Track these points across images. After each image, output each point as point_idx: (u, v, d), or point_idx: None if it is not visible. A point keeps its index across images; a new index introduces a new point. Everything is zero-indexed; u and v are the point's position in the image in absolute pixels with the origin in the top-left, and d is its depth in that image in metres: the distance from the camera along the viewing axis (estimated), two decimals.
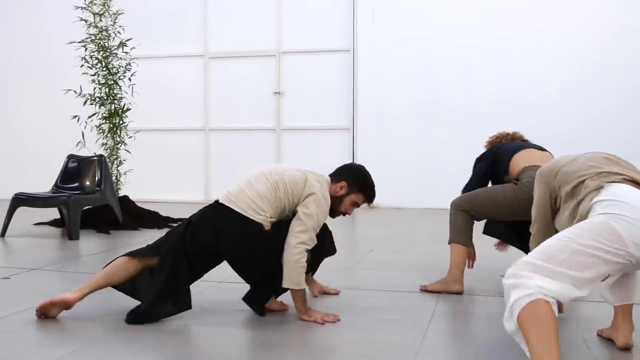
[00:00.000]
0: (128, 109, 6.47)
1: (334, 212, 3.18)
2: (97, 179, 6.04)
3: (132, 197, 9.29)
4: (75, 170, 6.20)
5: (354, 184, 3.17)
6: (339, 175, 3.19)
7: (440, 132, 8.31)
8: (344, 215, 3.24)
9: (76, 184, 6.12)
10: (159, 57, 9.25)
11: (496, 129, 8.35)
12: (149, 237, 5.80)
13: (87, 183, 6.09)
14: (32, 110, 9.71)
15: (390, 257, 4.83)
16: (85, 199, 5.88)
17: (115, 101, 6.53)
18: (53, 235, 5.87)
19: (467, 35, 8.19)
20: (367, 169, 3.29)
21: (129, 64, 6.60)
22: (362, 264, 4.51)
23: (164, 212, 7.38)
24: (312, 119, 8.79)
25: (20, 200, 5.73)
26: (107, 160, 6.52)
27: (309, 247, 2.96)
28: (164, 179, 9.32)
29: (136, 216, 6.47)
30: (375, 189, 3.22)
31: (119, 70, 6.47)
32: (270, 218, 2.98)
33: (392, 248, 5.30)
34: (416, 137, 8.37)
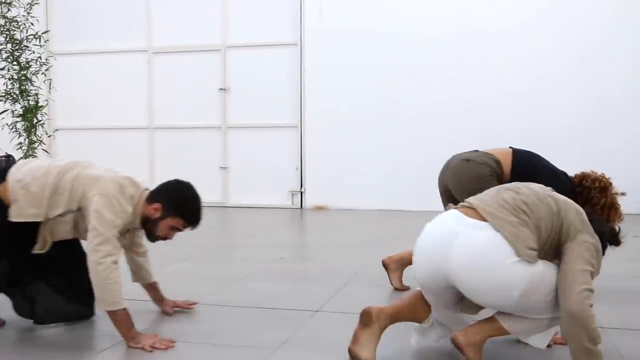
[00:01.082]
0: (41, 107, 6.06)
1: (150, 235, 2.80)
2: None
3: None
4: None
5: (170, 206, 2.76)
6: (155, 195, 2.80)
7: (394, 130, 7.89)
8: (164, 239, 2.82)
9: None
10: (101, 52, 8.86)
11: (454, 127, 8.08)
12: None
13: None
14: None
15: (296, 266, 4.45)
16: None
17: (30, 97, 6.12)
18: None
19: (423, 27, 7.77)
20: (193, 187, 2.88)
21: (46, 59, 6.21)
22: (258, 275, 4.11)
23: None
24: (260, 117, 8.39)
25: None
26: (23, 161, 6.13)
27: (116, 257, 2.57)
28: None
29: None
30: (201, 212, 2.83)
31: (31, 64, 6.07)
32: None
33: (306, 255, 4.92)
34: (369, 135, 7.96)
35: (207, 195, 8.68)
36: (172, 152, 8.72)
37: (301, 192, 8.21)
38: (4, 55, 6.03)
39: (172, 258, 4.64)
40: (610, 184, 3.40)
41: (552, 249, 2.24)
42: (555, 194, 2.33)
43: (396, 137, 7.88)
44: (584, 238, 2.21)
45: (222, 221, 7.09)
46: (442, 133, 7.63)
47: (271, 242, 5.41)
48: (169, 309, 3.10)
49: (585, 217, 2.28)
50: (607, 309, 3.01)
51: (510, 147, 3.59)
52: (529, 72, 7.52)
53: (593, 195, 3.34)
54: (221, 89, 8.48)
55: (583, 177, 3.44)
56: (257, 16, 8.35)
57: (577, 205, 2.32)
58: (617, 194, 3.40)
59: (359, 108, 7.99)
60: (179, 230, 2.82)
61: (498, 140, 7.61)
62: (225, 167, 8.50)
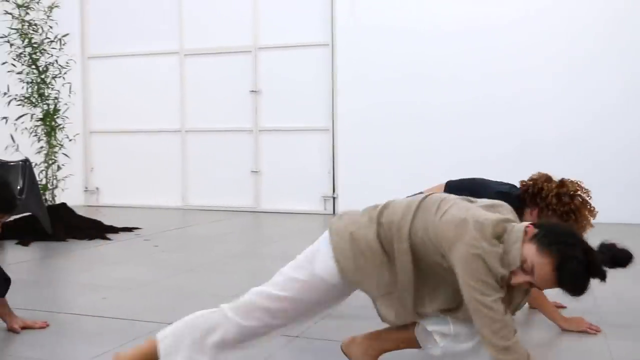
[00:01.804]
0: (58, 110, 5.97)
1: None
2: (19, 186, 5.56)
3: (107, 203, 8.94)
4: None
5: None
6: None
7: (427, 131, 7.55)
8: None
9: None
10: (134, 54, 8.81)
11: (489, 127, 7.66)
12: (74, 248, 5.32)
13: None
14: None
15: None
16: None
17: (50, 101, 6.05)
18: None
19: (457, 23, 7.40)
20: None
21: (66, 62, 6.12)
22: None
23: (139, 219, 6.93)
24: (291, 119, 8.16)
25: None
26: (46, 165, 6.07)
27: None
28: (139, 184, 8.86)
29: (72, 226, 5.99)
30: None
31: (48, 68, 5.98)
32: None
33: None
34: (403, 137, 7.64)
35: (238, 199, 8.64)
36: (203, 155, 8.58)
37: (333, 198, 7.94)
38: (23, 60, 5.94)
39: (178, 268, 4.45)
40: (573, 185, 2.84)
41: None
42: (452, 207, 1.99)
43: (429, 139, 7.53)
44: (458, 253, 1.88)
45: (250, 227, 6.89)
46: (482, 134, 7.28)
47: (292, 252, 5.15)
48: (16, 326, 2.91)
49: (469, 227, 1.88)
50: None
51: (446, 181, 3.23)
52: (570, 67, 7.06)
53: (549, 202, 2.81)
54: (252, 91, 8.29)
55: (528, 184, 2.91)
56: (288, 16, 8.13)
57: (469, 215, 1.92)
58: (583, 196, 2.84)
59: (393, 109, 7.67)
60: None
61: (537, 142, 7.30)
62: (256, 171, 8.30)
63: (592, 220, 2.81)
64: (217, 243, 5.62)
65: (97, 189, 9.12)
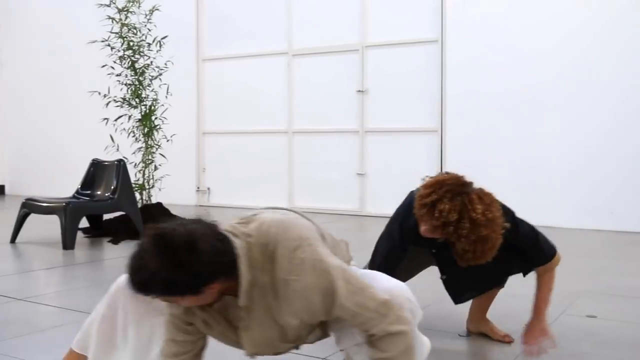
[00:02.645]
0: (154, 110, 6.03)
1: None
2: (112, 186, 5.66)
3: (218, 203, 9.03)
4: (95, 175, 5.89)
5: None
6: None
7: (546, 135, 6.91)
8: None
9: (91, 191, 5.80)
10: (244, 56, 8.83)
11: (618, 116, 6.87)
12: None
13: (101, 190, 5.74)
14: (67, 113, 9.77)
15: None
16: (89, 206, 5.52)
17: (147, 102, 6.12)
18: (54, 244, 5.55)
19: (578, 10, 6.72)
20: None
21: (165, 63, 6.17)
22: None
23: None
24: (398, 120, 7.80)
25: (26, 205, 5.51)
26: (144, 165, 6.16)
27: None
28: (247, 185, 8.88)
29: None
30: None
31: (144, 70, 6.05)
32: None
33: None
34: (517, 140, 7.05)
35: (343, 202, 8.42)
36: (310, 157, 8.43)
37: None
38: (123, 63, 6.06)
39: None
40: (478, 208, 2.23)
41: None
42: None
43: (549, 143, 6.89)
44: None
45: (353, 231, 6.60)
46: (603, 139, 6.56)
47: None
48: None
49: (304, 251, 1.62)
50: None
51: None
52: None
53: (452, 232, 2.25)
54: (359, 91, 8.03)
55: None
56: (396, 13, 7.78)
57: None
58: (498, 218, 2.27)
59: (507, 111, 7.10)
60: None
61: None
62: (362, 174, 8.03)
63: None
64: None
65: (208, 189, 9.24)
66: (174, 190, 9.12)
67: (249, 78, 8.82)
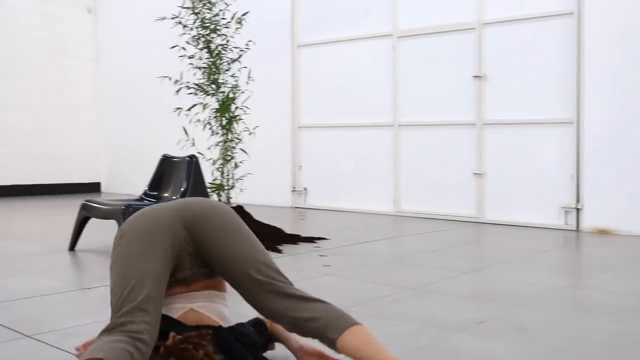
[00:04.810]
0: (233, 99, 5.15)
1: None
2: (182, 186, 4.83)
3: (315, 205, 8.11)
4: (165, 173, 5.09)
5: None
6: None
7: None
8: None
9: (158, 192, 5.00)
10: (343, 40, 7.86)
11: None
12: None
13: (170, 190, 4.92)
14: (162, 107, 9.04)
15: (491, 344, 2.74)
16: None
17: (226, 89, 5.26)
18: None
19: None
20: None
21: (246, 44, 5.30)
22: None
23: (336, 227, 6.02)
24: (523, 110, 6.57)
25: (85, 208, 4.78)
26: (222, 162, 5.31)
27: None
28: (348, 185, 7.90)
29: None
30: None
31: (223, 50, 5.18)
32: None
33: (537, 320, 3.14)
34: None
35: (457, 207, 7.24)
36: (418, 154, 7.34)
37: (577, 209, 6.20)
38: (196, 43, 5.22)
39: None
40: None
41: None
42: None
43: None
44: None
45: (468, 242, 5.45)
46: None
47: (525, 280, 3.71)
48: None
49: None
50: None
51: None
52: None
53: None
54: (476, 76, 6.84)
55: None
56: None
57: None
58: None
59: None
60: None
61: None
62: (479, 174, 6.84)
63: None
64: (413, 267, 4.34)
65: (304, 189, 8.35)
66: (267, 190, 8.32)
67: (349, 65, 7.84)
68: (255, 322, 2.27)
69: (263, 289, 1.96)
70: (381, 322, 2.94)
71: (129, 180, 10.28)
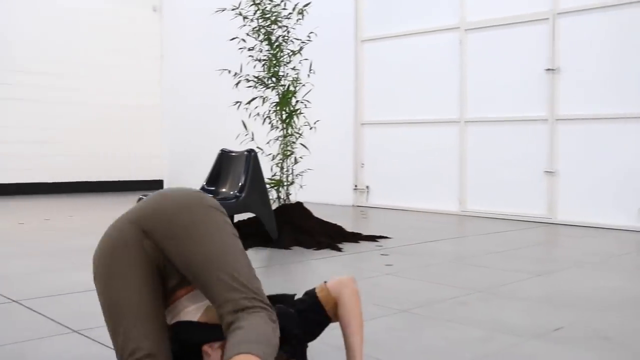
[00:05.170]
0: (293, 92, 4.99)
1: None
2: (240, 182, 4.70)
3: (377, 204, 7.89)
4: (223, 168, 4.98)
5: None
6: None
7: None
8: None
9: (216, 187, 4.89)
10: (408, 34, 7.61)
11: None
12: (292, 259, 4.28)
13: (228, 186, 4.80)
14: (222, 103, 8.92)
15: None
16: None
17: (286, 82, 5.12)
18: None
19: None
20: None
21: (308, 35, 5.14)
22: None
23: (399, 226, 5.82)
24: (599, 104, 6.19)
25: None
26: (282, 157, 5.17)
27: None
28: (411, 183, 7.65)
29: (302, 231, 4.98)
30: None
31: (284, 41, 5.04)
32: None
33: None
34: None
35: (527, 206, 6.90)
36: (486, 150, 7.03)
37: None
38: (256, 35, 5.09)
39: (396, 305, 3.06)
40: None
41: None
42: None
43: None
44: None
45: (537, 244, 5.13)
46: None
47: (576, 289, 3.42)
48: None
49: None
50: None
51: None
52: None
53: None
54: (548, 69, 6.49)
55: None
56: None
57: None
58: None
59: None
60: None
61: None
62: (551, 172, 6.49)
63: None
64: (480, 267, 4.09)
65: (367, 187, 8.14)
66: (328, 189, 8.16)
67: (414, 59, 7.59)
68: (310, 304, 1.90)
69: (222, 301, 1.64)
70: (446, 326, 2.71)
71: (191, 177, 10.28)
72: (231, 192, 4.69)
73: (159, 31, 11.01)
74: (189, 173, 10.50)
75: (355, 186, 8.22)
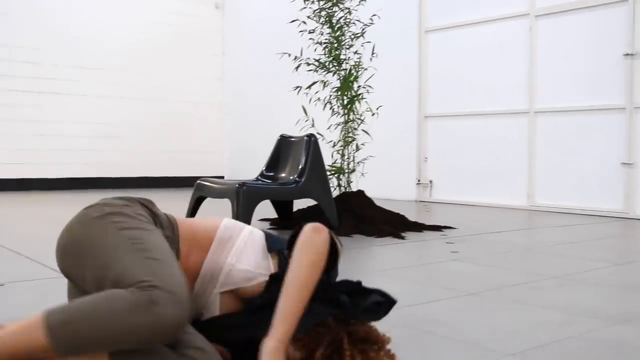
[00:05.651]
0: (355, 77, 4.82)
1: None
2: (299, 166, 4.56)
3: (441, 199, 7.65)
4: (282, 153, 4.85)
5: None
6: None
7: None
8: None
9: (274, 173, 4.76)
10: (474, 23, 7.34)
11: None
12: (353, 245, 4.12)
13: (287, 171, 4.67)
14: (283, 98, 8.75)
15: None
16: (268, 190, 4.45)
17: (348, 66, 4.96)
18: None
19: None
20: None
21: (371, 18, 4.97)
22: None
23: (465, 219, 5.58)
24: None
25: (200, 188, 4.63)
26: (343, 144, 5.02)
27: None
28: (477, 177, 7.37)
29: (364, 219, 4.80)
30: None
31: (345, 24, 4.88)
32: None
33: None
34: None
35: (601, 201, 6.52)
36: (557, 141, 6.70)
37: None
38: (318, 17, 4.94)
39: (461, 286, 2.85)
40: None
41: None
42: None
43: None
44: None
45: (611, 236, 4.80)
46: None
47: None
48: None
49: None
50: None
51: None
52: None
53: None
54: (627, 54, 6.12)
55: None
56: None
57: None
58: None
59: None
60: None
61: None
62: (629, 164, 6.12)
63: None
64: (552, 256, 3.82)
65: (430, 182, 7.90)
66: (390, 183, 7.95)
67: (480, 49, 7.31)
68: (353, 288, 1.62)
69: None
70: (521, 309, 2.49)
71: (252, 173, 10.23)
72: (290, 177, 4.55)
73: (221, 28, 11.04)
74: (249, 170, 10.46)
75: (418, 180, 7.98)
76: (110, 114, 9.93)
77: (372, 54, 5.01)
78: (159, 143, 10.38)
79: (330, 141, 5.23)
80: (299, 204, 5.78)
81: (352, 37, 4.95)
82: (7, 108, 9.05)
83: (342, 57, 4.90)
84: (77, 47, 9.58)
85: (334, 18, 4.89)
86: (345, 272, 3.15)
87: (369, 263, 3.55)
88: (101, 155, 9.85)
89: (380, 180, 7.70)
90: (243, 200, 4.16)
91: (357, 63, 4.97)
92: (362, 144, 5.16)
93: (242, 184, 4.23)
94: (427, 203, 7.68)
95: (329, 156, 4.98)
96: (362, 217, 4.80)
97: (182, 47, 10.57)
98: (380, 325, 1.89)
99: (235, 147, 10.92)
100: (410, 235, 4.60)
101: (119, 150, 10.02)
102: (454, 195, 7.60)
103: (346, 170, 5.03)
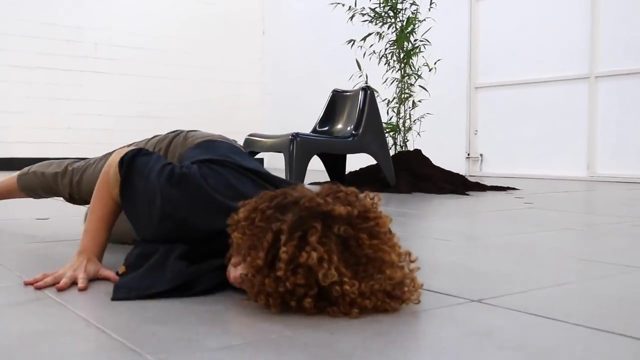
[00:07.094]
0: (413, 28, 4.54)
1: None
2: (354, 118, 4.30)
3: (493, 173, 7.32)
4: (337, 107, 4.59)
5: None
6: None
7: None
8: None
9: (329, 126, 4.51)
10: None
11: None
12: (419, 200, 3.84)
13: (342, 124, 4.41)
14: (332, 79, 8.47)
15: None
16: (323, 143, 4.19)
17: (404, 17, 4.67)
18: None
19: None
20: None
21: None
22: None
23: (524, 186, 5.25)
24: None
25: (249, 143, 4.39)
26: (399, 101, 4.74)
27: None
28: (532, 149, 7.01)
29: (422, 178, 4.52)
30: None
31: None
32: None
33: None
34: None
35: None
36: (619, 109, 6.32)
37: None
38: None
39: (551, 226, 2.56)
40: None
41: None
42: None
43: None
44: None
45: None
46: None
47: None
48: None
49: None
50: None
51: None
52: None
53: None
54: None
55: None
56: None
57: None
58: None
59: None
60: None
61: None
62: None
63: None
64: (621, 206, 3.50)
65: (480, 155, 7.56)
66: (439, 157, 7.58)
67: (534, 13, 6.95)
68: None
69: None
70: (623, 241, 2.19)
71: None
72: (347, 128, 4.29)
73: (261, 7, 10.82)
74: None
75: (468, 154, 7.66)
76: (149, 93, 9.77)
77: (431, 3, 4.72)
78: (198, 123, 10.20)
79: (385, 99, 4.95)
80: (355, 163, 5.50)
81: None
82: (49, 87, 8.95)
83: (398, 7, 4.62)
84: (117, 27, 9.45)
85: None
86: (422, 215, 2.88)
87: (441, 210, 3.27)
88: (144, 135, 9.68)
89: (430, 155, 7.39)
90: (297, 152, 3.91)
91: (414, 14, 4.68)
92: (419, 101, 4.87)
93: (296, 135, 3.99)
94: (478, 177, 7.35)
95: (384, 114, 4.70)
96: (421, 175, 4.53)
97: (221, 27, 10.38)
98: (502, 255, 1.62)
99: (275, 129, 10.69)
100: (474, 193, 4.31)
101: (161, 129, 9.83)
102: (505, 169, 7.26)
103: (402, 129, 4.75)
